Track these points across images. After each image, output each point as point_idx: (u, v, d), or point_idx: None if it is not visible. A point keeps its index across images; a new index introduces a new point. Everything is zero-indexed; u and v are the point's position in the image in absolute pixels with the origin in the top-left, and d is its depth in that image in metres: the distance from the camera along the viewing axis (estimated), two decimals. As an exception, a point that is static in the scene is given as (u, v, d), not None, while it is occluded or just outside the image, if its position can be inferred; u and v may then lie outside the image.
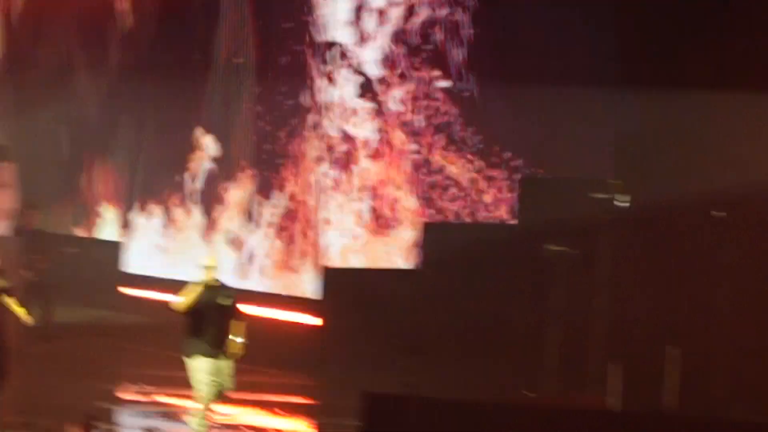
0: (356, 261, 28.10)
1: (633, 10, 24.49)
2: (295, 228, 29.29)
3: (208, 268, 20.97)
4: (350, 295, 25.96)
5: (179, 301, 20.89)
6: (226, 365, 20.75)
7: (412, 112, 28.15)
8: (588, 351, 22.19)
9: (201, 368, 20.79)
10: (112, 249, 31.32)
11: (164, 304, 23.40)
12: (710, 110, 22.93)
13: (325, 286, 27.01)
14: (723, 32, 23.46)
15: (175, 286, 23.58)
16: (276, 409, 22.81)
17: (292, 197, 29.45)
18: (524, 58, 25.96)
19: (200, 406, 21.03)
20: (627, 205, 22.56)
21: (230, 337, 20.73)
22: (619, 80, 24.44)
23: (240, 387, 21.47)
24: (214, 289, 20.82)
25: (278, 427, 22.61)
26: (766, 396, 21.23)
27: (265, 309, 26.26)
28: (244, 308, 21.31)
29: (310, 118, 29.30)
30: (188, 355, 20.78)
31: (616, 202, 22.55)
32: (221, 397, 21.16)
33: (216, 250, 26.64)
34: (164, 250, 31.43)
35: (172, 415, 23.29)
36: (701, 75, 23.30)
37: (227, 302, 20.85)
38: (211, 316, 20.78)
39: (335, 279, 26.87)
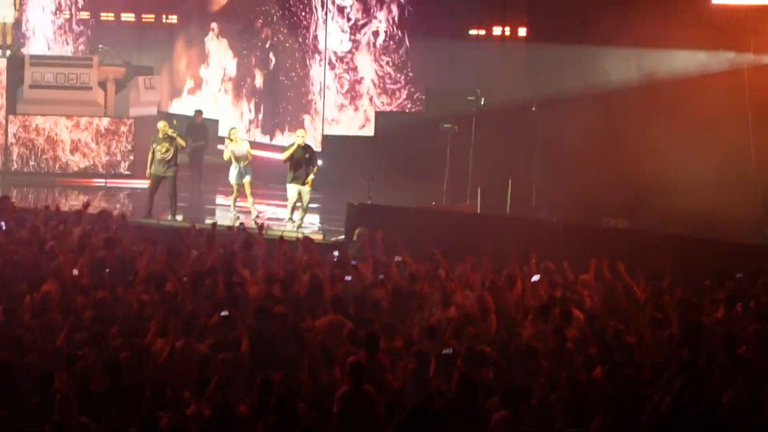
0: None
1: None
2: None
3: (300, 137, 21.25)
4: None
5: (284, 155, 21.27)
6: (306, 189, 21.08)
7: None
8: (464, 180, 22.22)
9: (293, 192, 21.19)
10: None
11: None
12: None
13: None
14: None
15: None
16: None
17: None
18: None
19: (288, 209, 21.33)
20: (482, 104, 22.46)
21: (310, 175, 21.06)
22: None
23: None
24: (303, 148, 21.09)
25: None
26: (559, 204, 21.24)
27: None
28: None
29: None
30: (288, 182, 21.14)
31: (479, 102, 22.50)
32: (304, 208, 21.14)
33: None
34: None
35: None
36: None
37: (307, 155, 21.08)
38: (300, 163, 21.10)
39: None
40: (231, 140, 21.87)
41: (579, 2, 21.96)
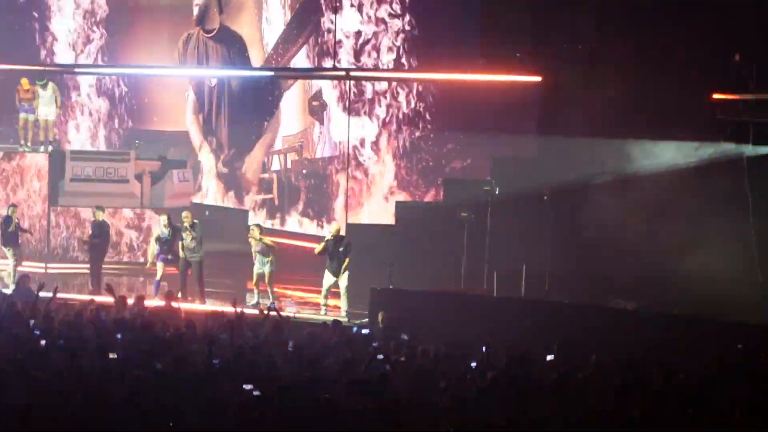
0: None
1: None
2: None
3: (334, 230, 21.72)
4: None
5: (318, 247, 21.56)
6: (341, 279, 21.38)
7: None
8: (481, 266, 22.06)
9: (327, 280, 21.44)
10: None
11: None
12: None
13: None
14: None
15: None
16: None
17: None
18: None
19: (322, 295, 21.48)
20: (497, 193, 22.44)
21: (343, 268, 21.27)
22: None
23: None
24: (336, 240, 21.39)
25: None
26: (570, 283, 21.17)
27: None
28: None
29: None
30: (325, 274, 21.43)
31: (494, 192, 22.48)
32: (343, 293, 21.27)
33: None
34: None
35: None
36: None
37: (341, 248, 21.32)
38: (334, 256, 21.38)
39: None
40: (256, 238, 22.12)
41: (585, 98, 22.08)
